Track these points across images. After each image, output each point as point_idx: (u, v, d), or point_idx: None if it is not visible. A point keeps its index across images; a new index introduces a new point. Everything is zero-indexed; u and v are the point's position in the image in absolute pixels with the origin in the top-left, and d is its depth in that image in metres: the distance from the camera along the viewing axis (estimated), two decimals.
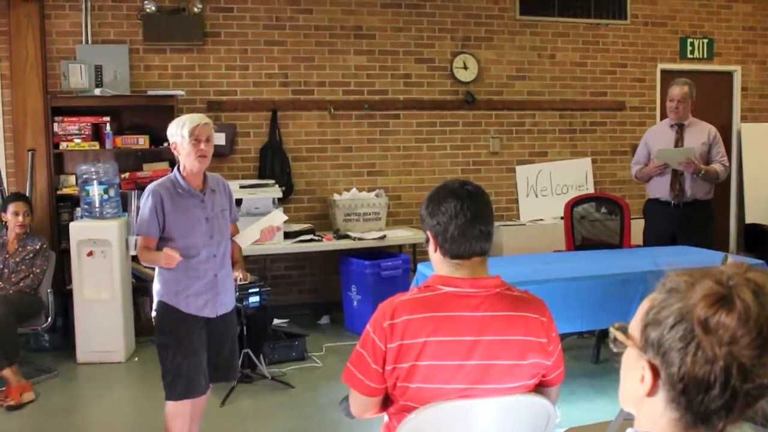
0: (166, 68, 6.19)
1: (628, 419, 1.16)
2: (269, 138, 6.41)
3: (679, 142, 5.35)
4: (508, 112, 7.07)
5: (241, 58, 6.34)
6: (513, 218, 7.13)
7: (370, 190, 6.50)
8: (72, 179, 5.78)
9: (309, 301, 6.58)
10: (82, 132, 5.72)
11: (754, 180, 7.68)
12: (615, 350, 1.10)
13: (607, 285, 4.04)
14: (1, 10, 5.79)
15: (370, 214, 6.25)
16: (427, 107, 6.82)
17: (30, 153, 5.71)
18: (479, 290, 1.92)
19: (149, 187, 3.29)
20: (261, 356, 4.82)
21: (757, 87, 7.83)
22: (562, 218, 5.76)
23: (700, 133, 5.33)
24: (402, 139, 6.78)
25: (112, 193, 5.37)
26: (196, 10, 6.11)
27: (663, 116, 6.37)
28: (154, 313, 3.35)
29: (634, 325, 1.07)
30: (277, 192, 5.90)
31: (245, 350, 4.62)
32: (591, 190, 7.21)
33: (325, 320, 6.32)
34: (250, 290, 4.64)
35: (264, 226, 3.61)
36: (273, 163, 6.37)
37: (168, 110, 5.54)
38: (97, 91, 5.74)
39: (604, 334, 4.90)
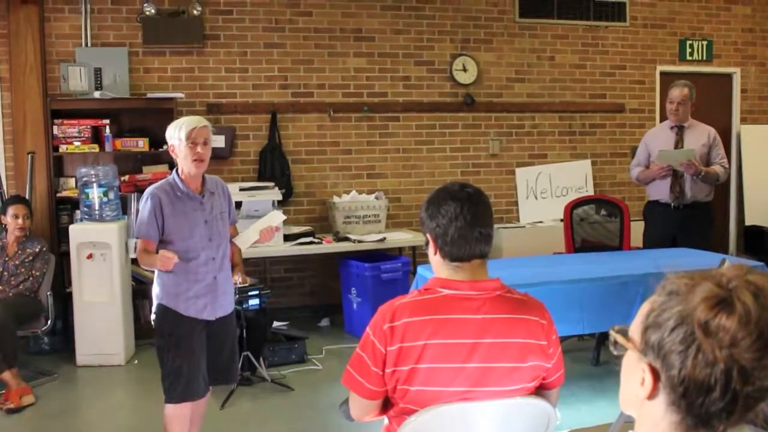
0: (165, 71, 6.19)
1: (628, 422, 1.16)
2: (269, 140, 6.41)
3: (679, 144, 5.35)
4: (508, 115, 7.07)
5: (240, 60, 6.35)
6: (513, 220, 7.13)
7: (369, 192, 6.50)
8: (72, 182, 5.78)
9: (309, 304, 6.58)
10: (82, 135, 5.72)
11: (753, 182, 7.68)
12: (615, 353, 1.10)
13: (606, 287, 4.04)
14: (1, 12, 5.79)
15: (369, 216, 6.25)
16: (427, 109, 6.82)
17: (30, 156, 5.71)
18: (479, 293, 1.92)
19: (148, 190, 3.29)
20: (261, 359, 4.82)
21: (756, 89, 7.84)
22: (561, 220, 5.76)
23: (700, 135, 5.34)
24: (401, 141, 6.78)
25: (111, 195, 5.37)
26: (195, 12, 6.12)
27: (662, 118, 6.38)
28: (153, 316, 3.35)
29: (635, 328, 1.07)
30: (276, 194, 5.90)
31: (245, 353, 4.61)
32: (591, 192, 7.21)
33: (324, 323, 6.31)
34: (250, 293, 4.64)
35: (263, 227, 3.60)
36: (272, 166, 6.37)
37: (167, 113, 5.54)
38: (97, 94, 5.74)
39: (604, 336, 4.90)
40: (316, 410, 4.36)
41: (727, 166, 5.38)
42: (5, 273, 4.96)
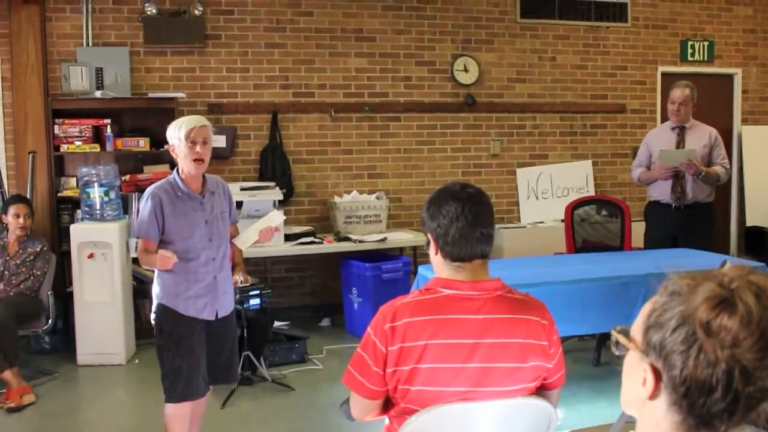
0: (166, 71, 6.19)
1: (629, 422, 1.16)
2: (270, 140, 6.41)
3: (680, 144, 5.35)
4: (509, 115, 7.07)
5: (241, 60, 6.35)
6: (513, 221, 7.13)
7: (370, 192, 6.50)
8: (73, 181, 5.79)
9: (309, 304, 6.58)
10: (83, 134, 5.72)
11: (754, 182, 7.68)
12: (617, 353, 1.10)
13: (607, 288, 4.04)
14: (2, 12, 5.79)
15: (370, 216, 6.25)
16: (428, 110, 6.82)
17: (31, 155, 5.71)
18: (480, 293, 1.92)
19: (148, 190, 3.28)
20: (261, 358, 4.82)
21: (757, 89, 7.84)
22: (562, 221, 5.75)
23: (702, 136, 5.34)
24: (402, 141, 6.78)
25: (112, 195, 5.37)
26: (196, 12, 6.12)
27: (663, 119, 6.38)
28: (153, 315, 3.35)
29: (636, 328, 1.07)
30: (277, 194, 5.90)
31: (246, 352, 4.61)
32: (591, 192, 7.21)
33: (325, 322, 6.32)
34: (251, 292, 4.64)
35: (262, 227, 3.59)
36: (273, 166, 6.37)
37: (168, 113, 5.54)
38: (98, 94, 5.74)
39: (604, 337, 4.90)
40: (316, 410, 4.36)
41: (728, 166, 5.38)
42: (6, 272, 4.96)
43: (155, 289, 3.33)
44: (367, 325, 1.95)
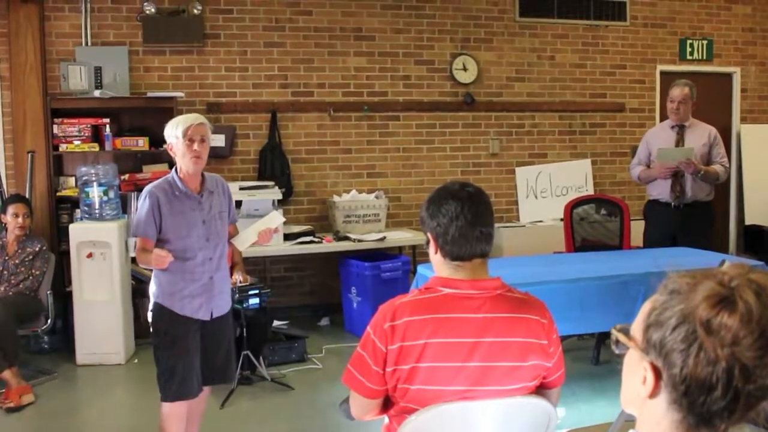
0: (165, 70, 6.19)
1: (629, 420, 1.16)
2: (269, 140, 6.41)
3: (679, 143, 5.35)
4: (508, 114, 7.07)
5: (240, 59, 6.34)
6: (513, 220, 7.13)
7: (369, 191, 6.50)
8: (72, 181, 5.78)
9: (309, 303, 6.58)
10: (82, 134, 5.72)
11: (753, 181, 7.68)
12: (617, 352, 1.10)
13: (607, 286, 4.04)
14: (1, 11, 5.79)
15: (369, 215, 6.25)
16: (427, 109, 6.82)
17: (29, 155, 5.71)
18: (480, 292, 1.92)
19: (146, 189, 3.27)
20: (261, 358, 4.81)
21: (756, 88, 7.84)
22: (561, 220, 5.76)
23: (701, 134, 5.34)
24: (402, 140, 6.78)
25: (111, 194, 5.37)
26: (195, 11, 6.12)
27: (663, 118, 6.37)
28: (150, 314, 3.34)
29: (636, 327, 1.07)
30: (276, 194, 5.90)
31: (245, 352, 4.61)
32: (591, 191, 7.21)
33: (325, 322, 6.31)
34: (250, 292, 4.63)
35: (261, 228, 3.57)
36: (273, 165, 6.37)
37: (168, 112, 5.52)
38: (97, 93, 5.74)
39: (604, 335, 4.90)
40: (316, 409, 4.36)
41: (727, 165, 5.38)
42: (5, 272, 4.96)
43: (152, 288, 3.33)
44: (367, 325, 1.95)
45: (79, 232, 5.28)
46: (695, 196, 5.29)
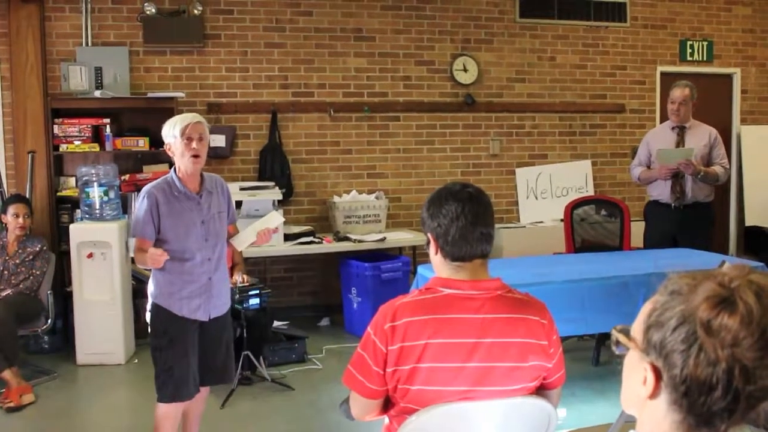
0: (166, 70, 6.19)
1: (629, 421, 1.16)
2: (269, 140, 6.41)
3: (680, 144, 5.35)
4: (508, 115, 7.07)
5: (241, 60, 6.35)
6: (513, 220, 7.13)
7: (370, 192, 6.51)
8: (72, 181, 5.78)
9: (309, 303, 6.58)
10: (82, 134, 5.72)
11: (753, 182, 7.68)
12: (617, 352, 1.10)
13: (607, 287, 4.04)
14: (2, 12, 5.79)
15: (370, 216, 6.25)
16: (427, 109, 6.82)
17: (30, 155, 5.71)
18: (480, 292, 1.92)
19: (145, 189, 3.26)
20: (261, 358, 4.81)
21: (756, 89, 7.84)
22: (562, 221, 5.76)
23: (701, 135, 5.34)
24: (402, 141, 6.78)
25: (112, 195, 5.37)
26: (196, 12, 6.12)
27: (663, 119, 6.38)
28: (148, 315, 3.33)
29: (637, 327, 1.07)
30: (277, 194, 5.90)
31: (245, 352, 4.61)
32: (591, 192, 7.21)
33: (325, 322, 6.32)
34: (250, 292, 4.63)
35: (260, 229, 3.54)
36: (273, 166, 6.37)
37: (168, 112, 5.51)
38: (97, 93, 5.74)
39: (604, 336, 4.90)
40: (316, 410, 4.36)
41: (727, 166, 5.38)
42: (5, 272, 4.96)
43: (150, 289, 3.32)
44: (367, 325, 1.95)
45: (79, 232, 5.28)
46: (695, 197, 5.29)
